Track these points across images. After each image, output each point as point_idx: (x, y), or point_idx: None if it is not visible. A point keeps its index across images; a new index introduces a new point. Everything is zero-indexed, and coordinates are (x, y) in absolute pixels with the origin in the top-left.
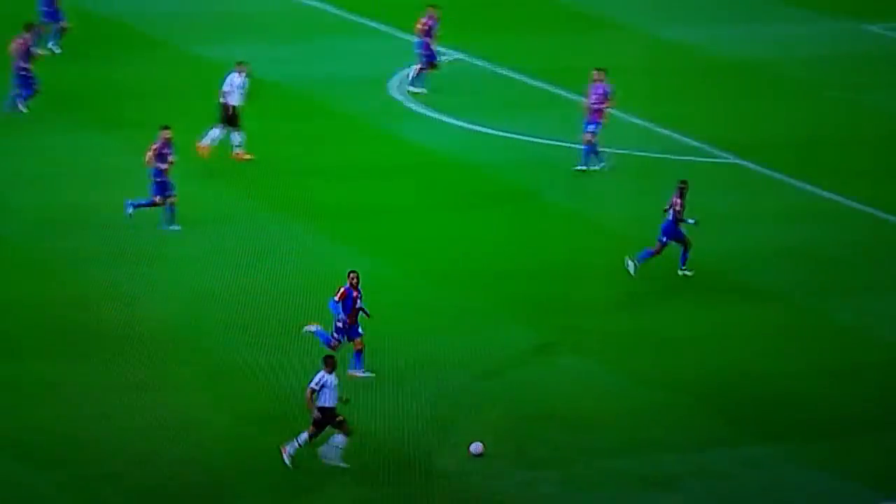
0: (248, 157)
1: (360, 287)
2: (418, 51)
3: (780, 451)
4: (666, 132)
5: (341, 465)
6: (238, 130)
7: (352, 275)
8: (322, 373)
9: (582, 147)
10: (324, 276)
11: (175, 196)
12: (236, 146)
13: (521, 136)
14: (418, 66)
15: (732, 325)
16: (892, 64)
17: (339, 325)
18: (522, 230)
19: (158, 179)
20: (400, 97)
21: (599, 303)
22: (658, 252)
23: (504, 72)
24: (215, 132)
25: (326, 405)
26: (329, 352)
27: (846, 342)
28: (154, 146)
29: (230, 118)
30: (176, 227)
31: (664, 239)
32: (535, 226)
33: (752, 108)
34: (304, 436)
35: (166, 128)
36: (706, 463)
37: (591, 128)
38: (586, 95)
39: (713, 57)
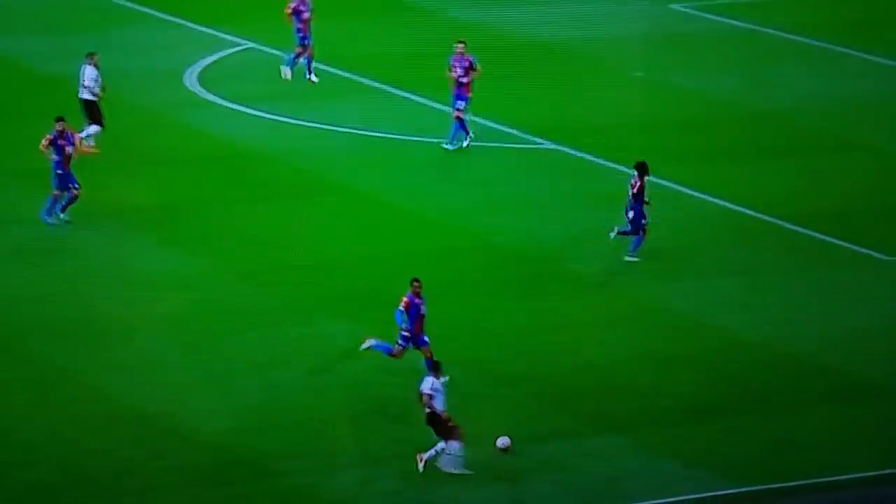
0: (94, 150)
1: (423, 295)
2: (296, 35)
3: (622, 441)
4: (474, 118)
5: (465, 472)
6: (94, 123)
7: (415, 283)
8: (432, 378)
9: (453, 124)
10: (128, 274)
11: (77, 188)
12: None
13: (321, 124)
14: (298, 50)
15: (561, 314)
16: (699, 43)
17: (406, 334)
18: (334, 221)
19: (59, 171)
20: (194, 88)
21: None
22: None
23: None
24: (92, 129)
25: (438, 410)
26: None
27: (678, 329)
28: (48, 136)
29: (89, 111)
30: (65, 218)
31: (641, 221)
32: (347, 217)
33: (558, 92)
34: (453, 446)
35: (60, 119)
36: (548, 455)
37: (459, 104)
38: (450, 69)
39: (509, 37)
